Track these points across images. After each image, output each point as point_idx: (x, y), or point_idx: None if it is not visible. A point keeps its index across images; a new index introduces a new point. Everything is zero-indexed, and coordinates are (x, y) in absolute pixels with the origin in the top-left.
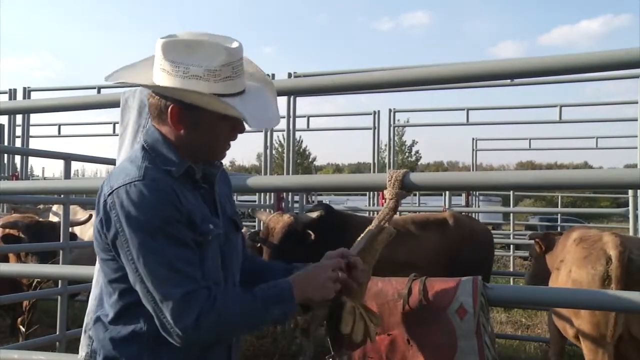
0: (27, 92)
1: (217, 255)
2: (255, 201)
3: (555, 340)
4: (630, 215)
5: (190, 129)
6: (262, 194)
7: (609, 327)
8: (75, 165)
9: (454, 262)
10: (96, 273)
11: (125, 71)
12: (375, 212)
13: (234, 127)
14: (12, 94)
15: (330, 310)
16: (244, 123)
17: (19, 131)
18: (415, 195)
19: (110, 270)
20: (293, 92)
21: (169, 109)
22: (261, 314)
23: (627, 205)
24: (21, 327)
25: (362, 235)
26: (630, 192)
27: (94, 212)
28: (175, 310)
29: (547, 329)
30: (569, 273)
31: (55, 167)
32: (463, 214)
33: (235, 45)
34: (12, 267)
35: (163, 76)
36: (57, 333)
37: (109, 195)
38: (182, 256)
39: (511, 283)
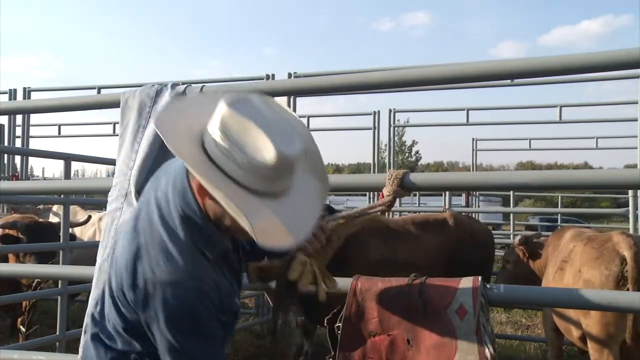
0: (27, 93)
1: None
2: None
3: (552, 342)
4: (630, 216)
5: (215, 205)
6: None
7: (628, 327)
8: (75, 166)
9: (454, 263)
10: (96, 274)
11: (175, 126)
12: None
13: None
14: (12, 94)
15: (284, 263)
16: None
17: (19, 131)
18: (415, 195)
19: (125, 318)
20: (293, 93)
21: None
22: None
23: (627, 206)
24: (21, 327)
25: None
26: (630, 192)
27: (93, 213)
28: None
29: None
30: (578, 273)
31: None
32: (463, 214)
33: (292, 152)
34: (12, 267)
35: (211, 145)
36: (57, 333)
37: (147, 282)
38: (211, 352)
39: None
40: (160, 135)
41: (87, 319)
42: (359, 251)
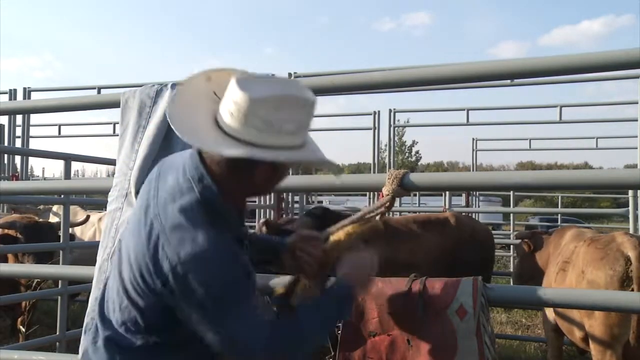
0: (27, 93)
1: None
2: (255, 201)
3: (552, 342)
4: (630, 216)
5: (262, 182)
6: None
7: (632, 328)
8: (75, 166)
9: (455, 262)
10: (96, 274)
11: (184, 117)
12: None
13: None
14: (12, 94)
15: (289, 287)
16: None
17: (19, 131)
18: (415, 195)
19: (142, 311)
20: None
21: (261, 168)
22: (331, 318)
23: (627, 206)
24: (21, 327)
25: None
26: (630, 192)
27: (92, 213)
28: (264, 346)
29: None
30: (581, 274)
31: (55, 168)
32: (463, 214)
33: (312, 97)
34: (12, 268)
35: (253, 133)
36: (57, 333)
37: (177, 264)
38: (253, 306)
39: (511, 283)
40: (182, 137)
41: (87, 319)
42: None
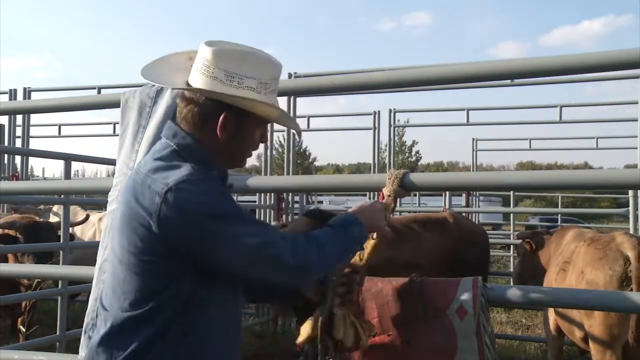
0: (27, 93)
1: None
2: (255, 201)
3: (552, 342)
4: (631, 216)
5: (231, 135)
6: (263, 194)
7: (631, 327)
8: (75, 166)
9: (455, 262)
10: (96, 274)
11: (161, 72)
12: None
13: (263, 135)
14: (12, 94)
15: (324, 319)
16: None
17: (19, 131)
18: (415, 195)
19: (148, 277)
20: (293, 93)
21: (222, 116)
22: (345, 240)
23: (627, 206)
24: (21, 327)
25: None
26: (631, 192)
27: (92, 213)
28: (290, 251)
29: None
30: (581, 274)
31: (55, 168)
32: (463, 214)
33: (278, 60)
34: (12, 268)
35: (214, 84)
36: (57, 333)
37: (168, 191)
38: (261, 226)
39: (511, 283)
40: (156, 84)
41: (87, 319)
42: None
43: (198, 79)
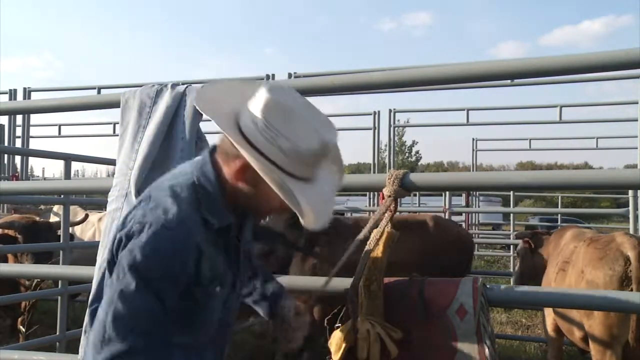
0: (27, 93)
1: (217, 309)
2: None
3: (552, 342)
4: (631, 216)
5: (250, 185)
6: None
7: (631, 328)
8: (75, 166)
9: (433, 266)
10: (96, 274)
11: (214, 98)
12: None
13: (284, 207)
14: (12, 94)
15: (347, 336)
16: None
17: (19, 131)
18: (415, 195)
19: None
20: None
21: (239, 162)
22: None
23: (627, 206)
24: (21, 327)
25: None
26: (631, 192)
27: (92, 213)
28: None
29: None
30: (580, 274)
31: (55, 168)
32: (463, 213)
33: (332, 140)
34: (12, 268)
35: (249, 125)
36: (58, 333)
37: (138, 226)
38: (156, 314)
39: (511, 284)
40: (203, 112)
41: (87, 319)
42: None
43: (241, 117)
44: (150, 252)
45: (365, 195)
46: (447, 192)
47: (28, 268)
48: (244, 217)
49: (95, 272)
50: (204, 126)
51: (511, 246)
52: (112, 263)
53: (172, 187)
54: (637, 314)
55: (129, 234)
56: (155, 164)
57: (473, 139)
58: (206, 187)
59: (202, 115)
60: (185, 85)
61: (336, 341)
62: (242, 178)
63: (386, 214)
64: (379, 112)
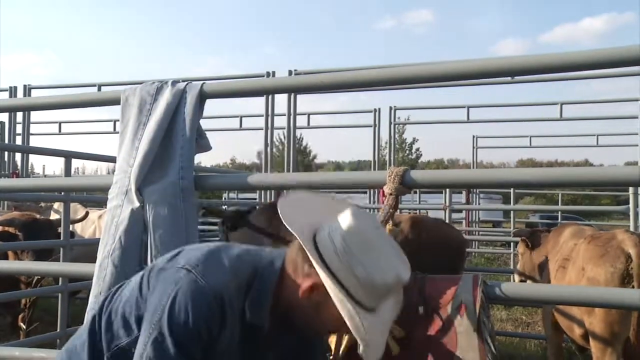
0: (27, 90)
1: None
2: (255, 199)
3: (552, 339)
4: (631, 213)
5: (312, 304)
6: (263, 191)
7: (632, 325)
8: (75, 164)
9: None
10: (96, 271)
11: (296, 208)
12: (376, 210)
13: (342, 328)
14: (12, 91)
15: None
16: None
17: (19, 129)
18: (415, 193)
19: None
20: (294, 90)
21: (309, 280)
22: None
23: (628, 203)
24: (22, 324)
25: None
26: (631, 189)
27: (92, 210)
28: None
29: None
30: (581, 271)
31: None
32: (463, 211)
33: (406, 277)
34: (12, 265)
35: (328, 246)
36: (58, 330)
37: (182, 267)
38: None
39: (512, 281)
40: (283, 221)
41: (87, 316)
42: None
43: (319, 232)
44: (185, 313)
45: (365, 192)
46: (448, 190)
47: (28, 265)
48: (287, 324)
49: (96, 269)
50: (204, 124)
51: (511, 243)
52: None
53: (237, 261)
54: (638, 311)
55: (166, 273)
56: (156, 161)
57: (473, 137)
58: (263, 285)
59: (202, 112)
60: (186, 83)
61: (337, 339)
62: (309, 296)
63: (389, 211)
64: (379, 109)
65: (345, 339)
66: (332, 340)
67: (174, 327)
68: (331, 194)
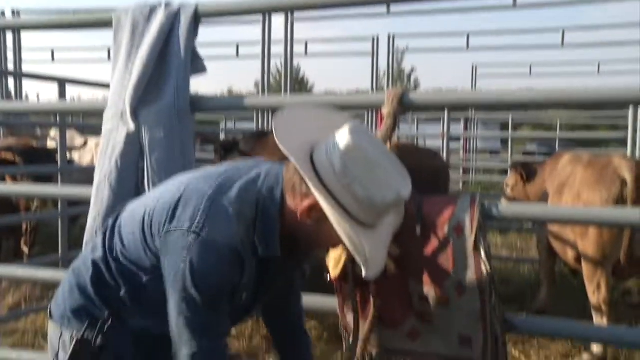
0: (16, 14)
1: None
2: (253, 129)
3: (545, 262)
4: (629, 139)
5: (313, 224)
6: (260, 120)
7: (623, 247)
8: (71, 92)
9: None
10: (94, 193)
11: (290, 127)
12: None
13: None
14: None
15: (345, 251)
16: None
17: (10, 56)
18: (413, 122)
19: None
20: (291, 8)
21: (308, 201)
22: None
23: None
24: (25, 248)
25: None
26: (630, 117)
27: (89, 138)
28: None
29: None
30: (577, 196)
31: (50, 94)
32: (461, 139)
33: (407, 194)
34: (11, 188)
35: (325, 165)
36: (60, 254)
37: (188, 230)
38: (212, 321)
39: None
40: (278, 143)
41: (86, 237)
42: None
43: (316, 151)
44: (206, 274)
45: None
46: (446, 118)
47: (27, 188)
48: (293, 246)
49: (93, 191)
50: (200, 52)
51: (508, 172)
52: (144, 232)
53: (239, 203)
54: (630, 234)
55: (175, 234)
56: (150, 83)
57: (473, 65)
58: (267, 216)
59: (197, 34)
60: (180, 3)
61: (335, 257)
62: (308, 216)
63: (388, 133)
64: (378, 37)
65: (343, 257)
66: (331, 258)
67: (200, 288)
68: (328, 107)
